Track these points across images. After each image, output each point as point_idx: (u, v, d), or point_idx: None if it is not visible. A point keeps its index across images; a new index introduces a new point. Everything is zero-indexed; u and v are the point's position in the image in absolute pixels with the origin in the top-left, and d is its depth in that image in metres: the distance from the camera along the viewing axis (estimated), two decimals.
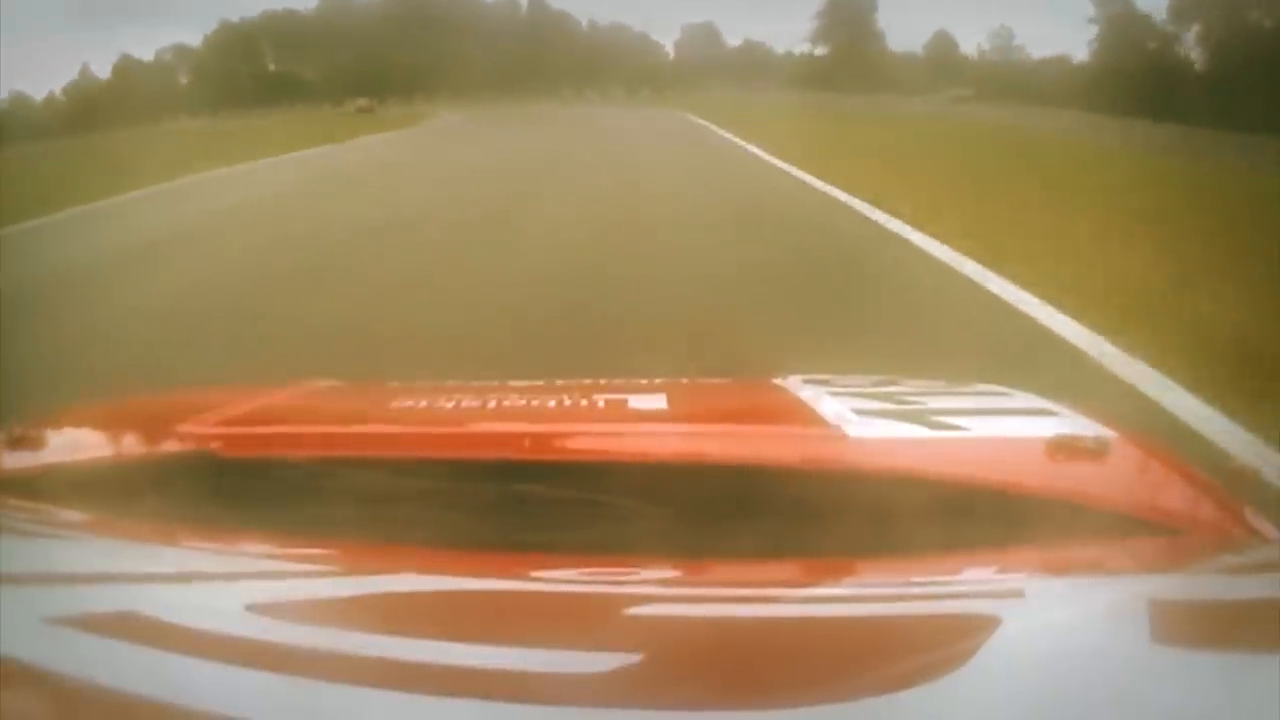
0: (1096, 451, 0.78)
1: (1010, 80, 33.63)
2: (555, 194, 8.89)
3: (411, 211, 7.95)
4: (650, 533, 0.70)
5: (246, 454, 0.86)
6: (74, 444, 0.96)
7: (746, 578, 0.63)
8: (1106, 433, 0.84)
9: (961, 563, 0.65)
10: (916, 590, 0.61)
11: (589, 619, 0.54)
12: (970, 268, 4.72)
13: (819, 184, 8.75)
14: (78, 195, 9.45)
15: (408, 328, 3.88)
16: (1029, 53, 39.17)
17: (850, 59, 38.67)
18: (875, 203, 7.07)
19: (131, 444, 0.98)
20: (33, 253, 6.77)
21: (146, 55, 43.14)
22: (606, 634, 0.50)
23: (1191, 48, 25.77)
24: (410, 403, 1.05)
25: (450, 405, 1.01)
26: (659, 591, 0.60)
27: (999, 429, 0.91)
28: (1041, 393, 1.04)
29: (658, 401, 1.03)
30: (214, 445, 0.86)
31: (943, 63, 38.79)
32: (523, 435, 0.91)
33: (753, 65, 41.99)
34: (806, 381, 1.03)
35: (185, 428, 0.89)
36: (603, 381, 1.09)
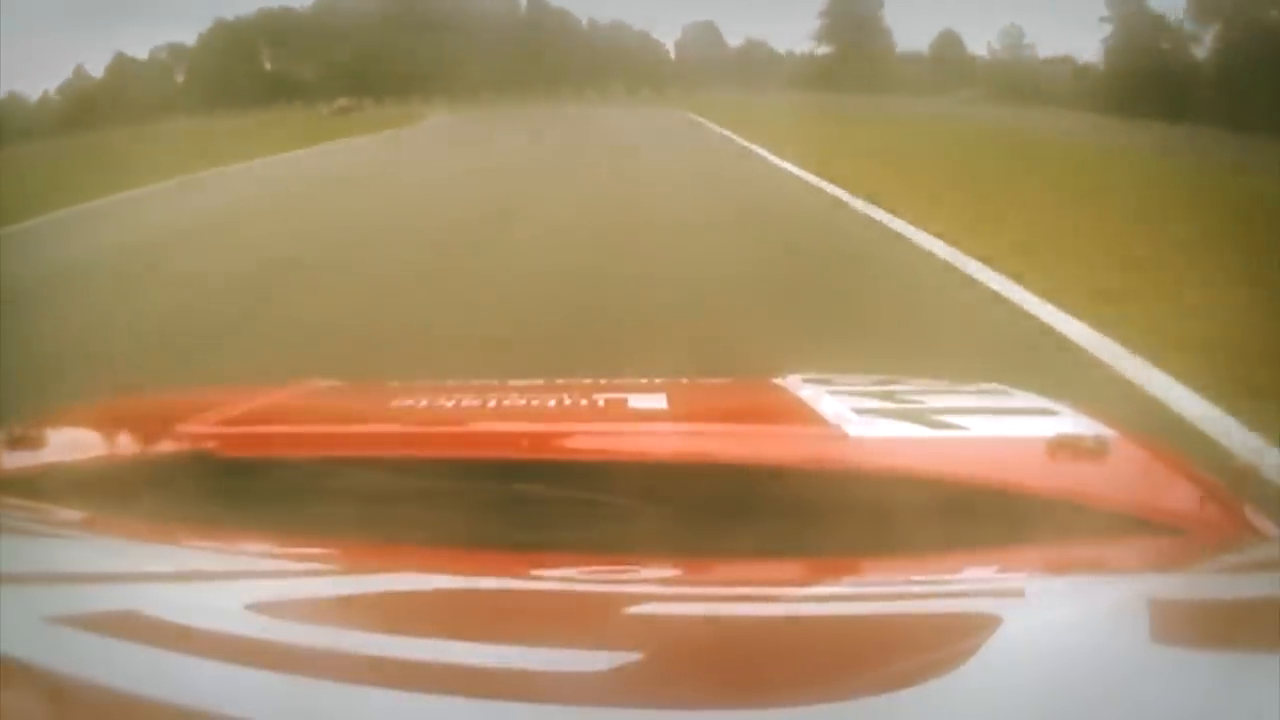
0: (1097, 451, 0.78)
1: (1021, 81, 32.80)
2: (549, 202, 8.26)
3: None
4: (650, 532, 0.70)
5: (246, 454, 0.86)
6: (74, 444, 0.96)
7: (746, 577, 0.63)
8: (1107, 432, 0.84)
9: (962, 562, 0.65)
10: (917, 589, 0.61)
11: (589, 618, 0.54)
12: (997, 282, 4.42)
13: (829, 187, 8.32)
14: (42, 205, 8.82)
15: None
16: (1040, 52, 38.16)
17: (855, 58, 38.06)
18: (884, 207, 6.78)
19: (131, 444, 0.98)
20: (15, 255, 6.67)
21: (142, 54, 42.73)
22: (606, 633, 0.50)
23: (1211, 47, 24.97)
24: (410, 402, 1.05)
25: (450, 405, 1.01)
26: (659, 590, 0.60)
27: (999, 428, 0.91)
28: (1041, 389, 1.04)
29: (658, 401, 1.03)
30: (214, 445, 0.86)
31: (949, 62, 38.02)
32: (523, 434, 0.91)
33: (755, 65, 41.53)
34: (806, 381, 1.03)
35: (185, 428, 0.89)
36: (603, 381, 1.09)
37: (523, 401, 1.02)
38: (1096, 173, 10.01)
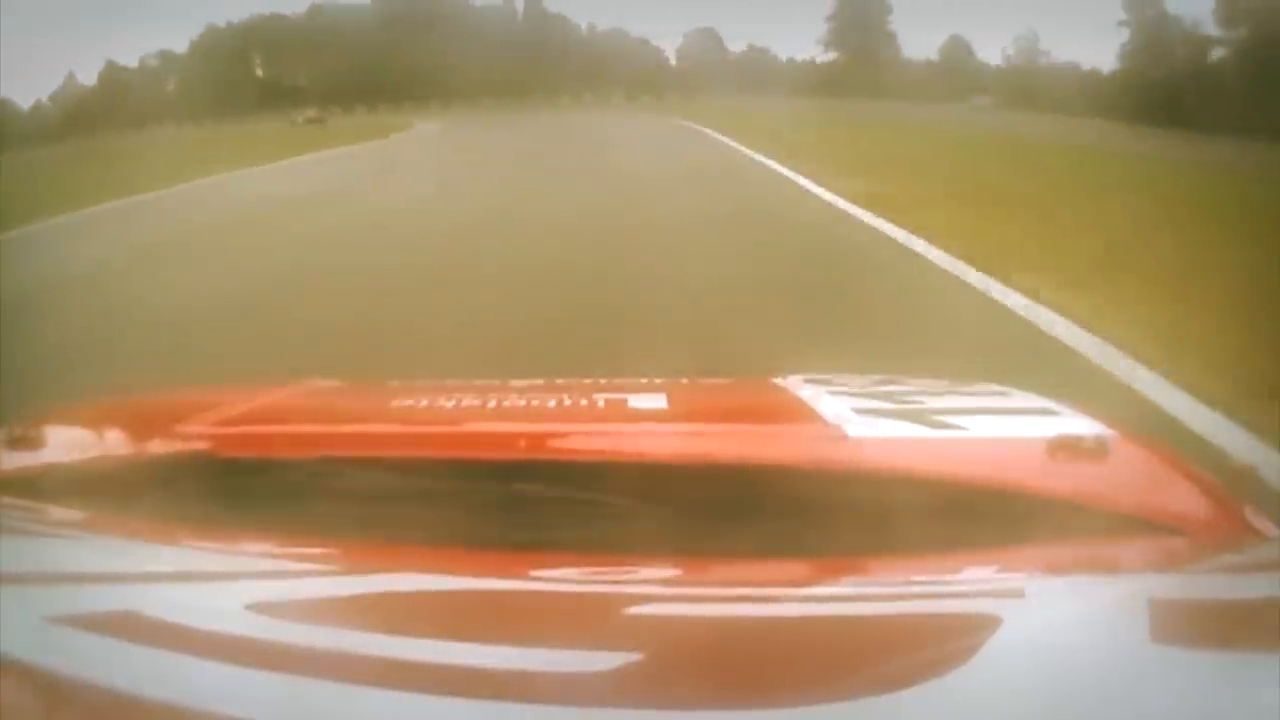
0: (1097, 451, 0.78)
1: (1036, 87, 31.68)
2: (537, 227, 7.16)
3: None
4: (650, 532, 0.70)
5: (246, 454, 0.86)
6: (74, 444, 0.96)
7: (747, 577, 0.63)
8: (1107, 432, 0.84)
9: (962, 562, 0.65)
10: (917, 590, 0.61)
11: (589, 618, 0.54)
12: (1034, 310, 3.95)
13: (847, 206, 7.48)
14: None
15: None
16: (1055, 58, 36.95)
17: (862, 64, 37.49)
18: (904, 225, 6.13)
19: (131, 444, 0.98)
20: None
21: (133, 62, 42.52)
22: (606, 633, 0.50)
23: (1234, 54, 24.09)
24: (410, 402, 1.05)
25: (450, 405, 1.01)
26: (659, 591, 0.60)
27: (999, 429, 0.91)
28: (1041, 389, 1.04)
29: (658, 401, 1.03)
30: (214, 445, 0.86)
31: (960, 69, 37.29)
32: (523, 435, 0.91)
33: (756, 71, 41.23)
34: (807, 381, 1.03)
35: (185, 428, 0.89)
36: (603, 381, 1.09)
37: (523, 402, 1.02)
38: (1146, 192, 8.86)
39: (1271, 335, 3.34)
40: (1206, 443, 2.50)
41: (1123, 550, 0.69)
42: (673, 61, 46.81)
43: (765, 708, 0.42)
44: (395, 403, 1.06)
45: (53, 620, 0.49)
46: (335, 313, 4.46)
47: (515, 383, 1.10)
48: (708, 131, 18.76)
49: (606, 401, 1.01)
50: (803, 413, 0.93)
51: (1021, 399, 1.03)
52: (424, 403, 1.04)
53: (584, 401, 1.00)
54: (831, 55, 41.43)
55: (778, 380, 1.07)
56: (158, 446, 0.89)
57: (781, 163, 11.24)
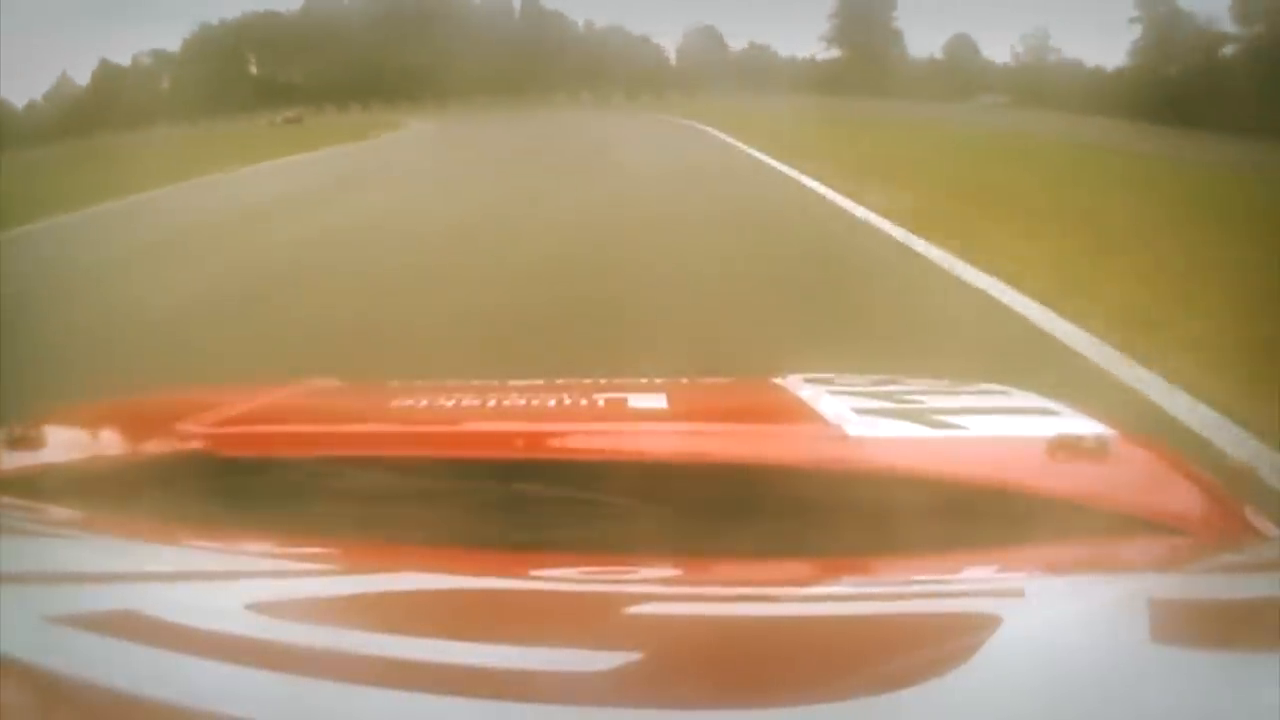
0: (1097, 451, 0.78)
1: (1046, 85, 30.72)
2: (528, 241, 6.33)
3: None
4: (650, 532, 0.70)
5: (246, 454, 0.86)
6: (74, 443, 0.96)
7: (747, 577, 0.63)
8: (1107, 432, 0.84)
9: (962, 562, 0.65)
10: (917, 589, 0.61)
11: (589, 618, 0.54)
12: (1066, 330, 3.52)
13: (869, 215, 6.78)
14: None
15: None
16: (1065, 56, 36.08)
17: (865, 62, 36.91)
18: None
19: (131, 443, 0.98)
20: None
21: (125, 60, 42.21)
22: (607, 633, 0.50)
23: (1249, 51, 23.03)
24: (410, 402, 1.05)
25: (450, 404, 1.01)
26: (659, 590, 0.60)
27: (999, 428, 0.91)
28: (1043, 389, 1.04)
29: (658, 401, 1.03)
30: (214, 445, 0.86)
31: (964, 66, 36.52)
32: (523, 434, 0.91)
33: (757, 70, 40.78)
34: (807, 381, 1.03)
35: (185, 427, 0.89)
36: (603, 381, 1.09)
37: (522, 401, 1.02)
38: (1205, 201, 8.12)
39: None
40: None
41: (1123, 550, 0.69)
42: (672, 60, 46.60)
43: (765, 708, 0.42)
44: (395, 402, 1.05)
45: (52, 620, 0.49)
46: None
47: (515, 382, 1.10)
48: (711, 131, 17.95)
49: (606, 401, 1.01)
50: (803, 412, 0.92)
51: (1021, 399, 1.03)
52: (424, 402, 1.04)
53: (584, 401, 1.00)
54: (834, 53, 40.83)
55: (778, 380, 1.07)
56: (158, 446, 0.89)
57: (794, 166, 10.33)
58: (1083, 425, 0.87)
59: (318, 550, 0.69)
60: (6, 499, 0.78)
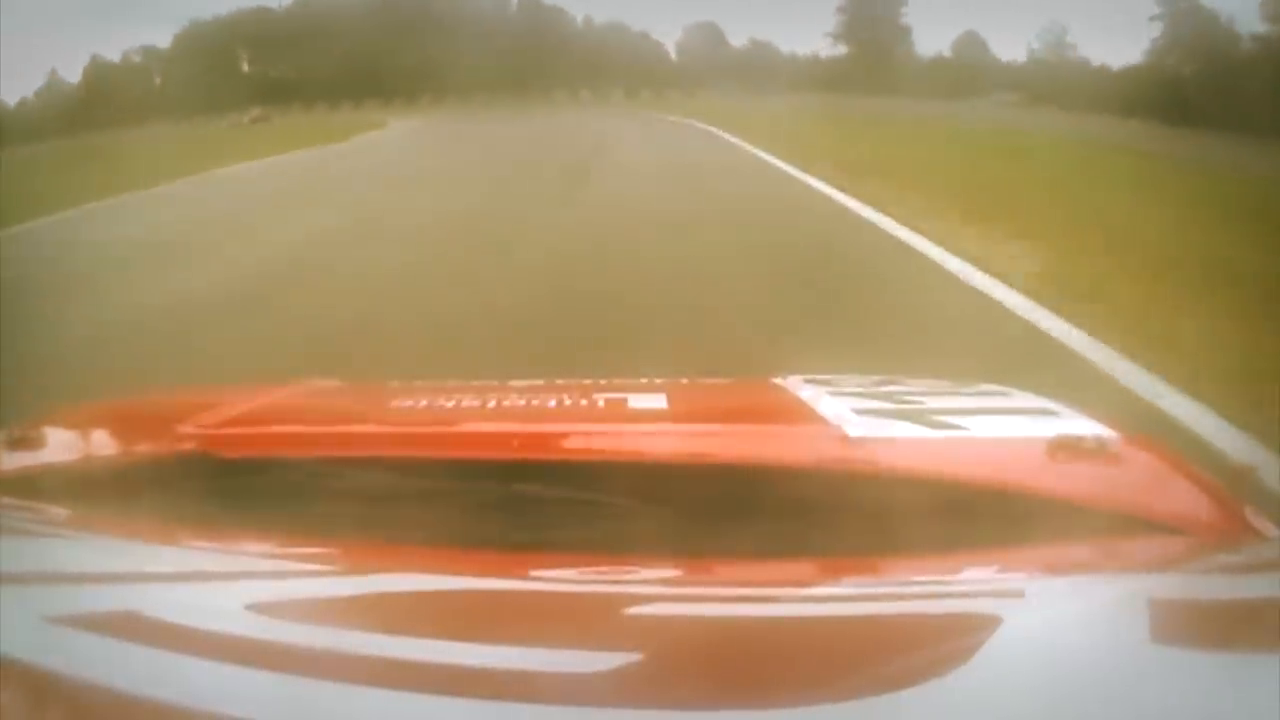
0: (1097, 451, 0.78)
1: (1062, 83, 29.35)
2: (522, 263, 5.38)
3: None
4: (650, 532, 0.70)
5: (246, 454, 0.86)
6: (74, 444, 0.96)
7: (746, 577, 0.63)
8: (1107, 433, 0.84)
9: (962, 562, 0.65)
10: (917, 590, 0.61)
11: (589, 618, 0.54)
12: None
13: (897, 229, 6.00)
14: None
15: None
16: (1082, 52, 34.52)
17: (873, 59, 36.21)
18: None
19: (131, 444, 0.98)
20: None
21: (119, 57, 41.80)
22: (606, 633, 0.50)
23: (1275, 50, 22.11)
24: (410, 403, 1.05)
25: (450, 405, 1.01)
26: (659, 591, 0.60)
27: (999, 429, 0.91)
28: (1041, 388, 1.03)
29: (657, 401, 1.03)
30: (214, 445, 0.86)
31: (975, 64, 35.39)
32: (522, 435, 0.91)
33: (759, 67, 40.23)
34: (807, 381, 1.03)
35: (185, 428, 0.89)
36: (602, 381, 1.09)
37: (522, 402, 1.02)
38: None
39: None
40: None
41: (1123, 550, 0.69)
42: (673, 56, 46.34)
43: (765, 708, 0.42)
44: (395, 403, 1.05)
45: (52, 620, 0.50)
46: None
47: (515, 383, 1.10)
48: (717, 132, 16.73)
49: (606, 401, 1.01)
50: (803, 413, 0.92)
51: (1021, 399, 1.03)
52: (423, 403, 1.04)
53: (584, 401, 1.00)
54: (840, 49, 39.78)
55: (778, 380, 1.07)
56: (158, 447, 0.89)
57: (813, 174, 9.30)
58: (1083, 426, 0.87)
59: (318, 551, 0.69)
60: (6, 499, 0.78)
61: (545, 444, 0.90)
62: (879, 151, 11.36)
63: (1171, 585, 0.63)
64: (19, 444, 0.90)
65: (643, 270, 5.09)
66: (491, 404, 1.00)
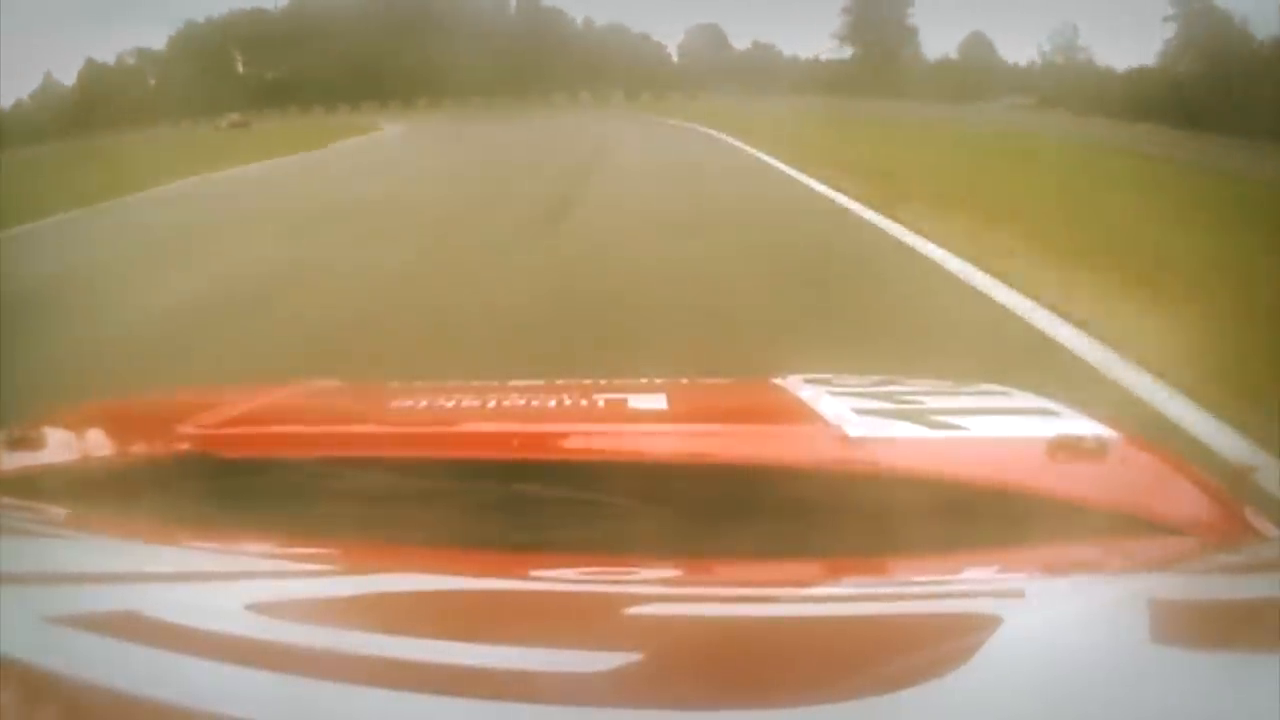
0: (1097, 451, 0.78)
1: (1076, 86, 28.19)
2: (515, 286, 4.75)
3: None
4: (650, 532, 0.71)
5: (246, 454, 0.86)
6: (74, 444, 0.96)
7: (747, 577, 0.63)
8: (1107, 433, 0.84)
9: (962, 562, 0.65)
10: (917, 590, 0.61)
11: (589, 618, 0.54)
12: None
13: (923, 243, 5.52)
14: None
15: None
16: (1094, 54, 33.43)
17: (880, 60, 35.55)
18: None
19: (131, 444, 0.98)
20: None
21: (120, 59, 41.49)
22: (606, 633, 0.50)
23: None
24: (410, 403, 1.05)
25: (450, 405, 1.01)
26: (659, 591, 0.60)
27: (999, 429, 0.91)
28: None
29: (657, 401, 1.03)
30: (214, 445, 0.86)
31: (982, 66, 34.47)
32: (523, 435, 0.91)
33: (761, 70, 39.69)
34: (807, 381, 1.03)
35: (185, 428, 0.89)
36: (602, 381, 1.09)
37: (522, 402, 1.02)
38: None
39: None
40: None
41: (1123, 550, 0.69)
42: (674, 59, 46.11)
43: (765, 708, 0.42)
44: (395, 403, 1.05)
45: (52, 620, 0.50)
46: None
47: (515, 383, 1.10)
48: (723, 137, 15.84)
49: (606, 402, 1.01)
50: (803, 413, 0.92)
51: (1022, 399, 1.03)
52: (423, 403, 1.04)
53: (584, 402, 1.00)
54: (843, 52, 38.98)
55: (778, 380, 1.07)
56: (158, 447, 0.89)
57: (822, 180, 8.74)
58: (1083, 426, 0.87)
59: (318, 551, 0.69)
60: (6, 499, 0.78)
61: (545, 444, 0.90)
62: (912, 162, 10.35)
63: (1171, 585, 0.63)
64: (19, 444, 0.90)
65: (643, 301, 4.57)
66: (491, 404, 1.00)
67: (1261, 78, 20.30)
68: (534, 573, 0.63)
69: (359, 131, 24.22)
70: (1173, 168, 11.92)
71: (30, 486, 0.81)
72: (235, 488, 0.80)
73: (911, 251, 5.44)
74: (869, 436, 0.83)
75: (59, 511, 0.77)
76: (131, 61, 40.98)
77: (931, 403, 0.94)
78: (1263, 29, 23.71)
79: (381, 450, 0.89)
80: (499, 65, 38.08)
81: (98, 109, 33.17)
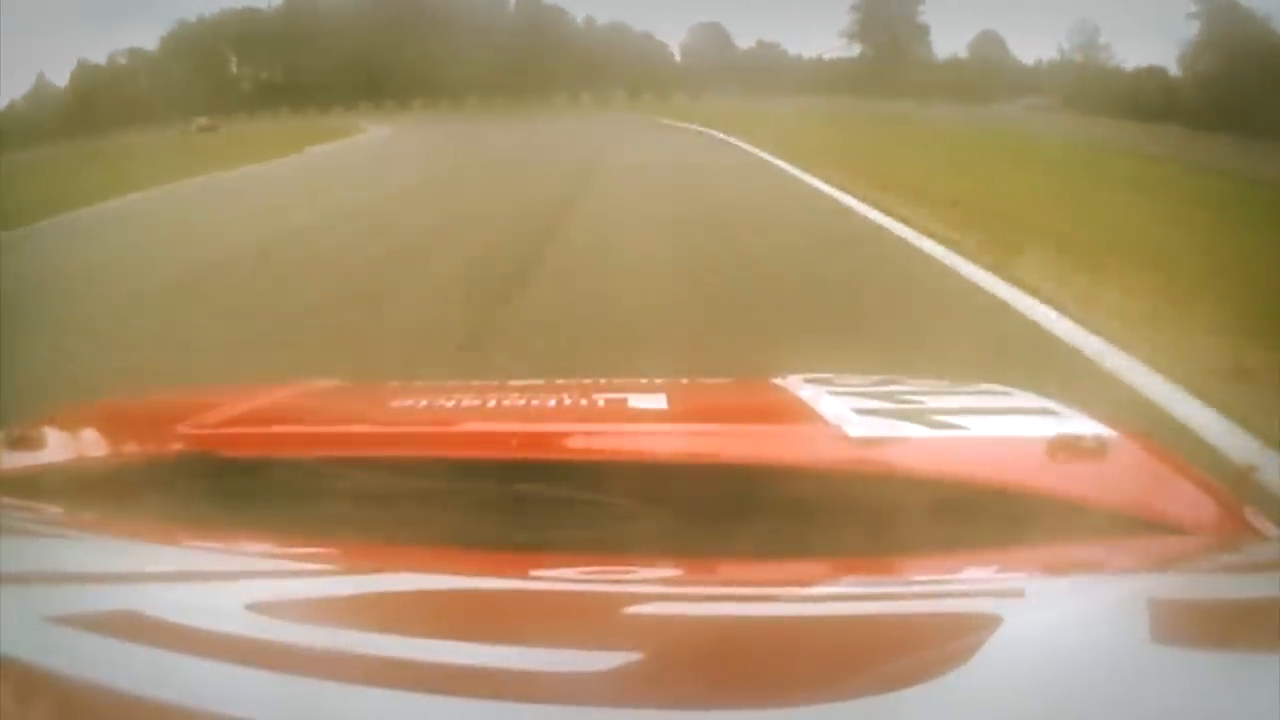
0: (1097, 451, 0.78)
1: (1096, 86, 27.15)
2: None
3: None
4: (650, 532, 0.71)
5: (246, 454, 0.86)
6: (74, 444, 0.97)
7: (746, 577, 0.63)
8: (1107, 432, 0.84)
9: (962, 562, 0.65)
10: (917, 589, 0.61)
11: (589, 618, 0.54)
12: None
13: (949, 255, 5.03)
14: None
15: None
16: (1116, 53, 31.38)
17: (888, 59, 34.56)
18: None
19: (131, 444, 0.99)
20: None
21: (111, 59, 41.14)
22: (606, 633, 0.50)
23: None
24: (410, 402, 1.05)
25: (450, 405, 1.01)
26: (659, 591, 0.60)
27: (999, 428, 0.91)
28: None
29: (657, 401, 1.03)
30: (214, 445, 0.86)
31: (994, 65, 33.17)
32: (522, 435, 0.91)
33: (766, 70, 39.04)
34: (807, 381, 1.03)
35: (185, 428, 0.89)
36: (602, 381, 1.09)
37: (522, 402, 1.02)
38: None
39: None
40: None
41: (1123, 550, 0.69)
42: (677, 58, 45.73)
43: (765, 708, 0.42)
44: (395, 403, 1.06)
45: (53, 620, 0.50)
46: None
47: (514, 382, 1.10)
48: (734, 141, 14.75)
49: (606, 401, 1.01)
50: (803, 413, 0.92)
51: (1021, 399, 1.03)
52: (423, 403, 1.04)
53: (583, 401, 1.00)
54: (849, 51, 38.01)
55: (778, 380, 1.07)
56: (158, 446, 0.89)
57: (851, 193, 7.80)
58: (1083, 425, 0.86)
59: (318, 550, 0.69)
60: (6, 499, 0.78)
61: (545, 444, 0.90)
62: (967, 182, 8.80)
63: (1171, 585, 0.62)
64: (19, 444, 0.90)
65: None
66: (491, 404, 1.00)
67: None
68: (534, 573, 0.63)
69: (339, 135, 22.29)
70: (1232, 180, 10.85)
71: (30, 486, 0.81)
72: (235, 488, 0.80)
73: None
74: (869, 436, 0.83)
75: (59, 511, 0.77)
76: (123, 62, 40.58)
77: (932, 402, 0.94)
78: None
79: (381, 450, 0.89)
80: (497, 65, 37.46)
81: (91, 110, 33.00)
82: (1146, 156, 13.80)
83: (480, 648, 0.47)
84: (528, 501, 0.75)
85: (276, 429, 0.98)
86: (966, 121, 19.43)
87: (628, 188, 9.78)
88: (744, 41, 44.86)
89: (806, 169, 9.74)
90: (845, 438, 0.82)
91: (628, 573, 0.64)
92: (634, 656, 0.46)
